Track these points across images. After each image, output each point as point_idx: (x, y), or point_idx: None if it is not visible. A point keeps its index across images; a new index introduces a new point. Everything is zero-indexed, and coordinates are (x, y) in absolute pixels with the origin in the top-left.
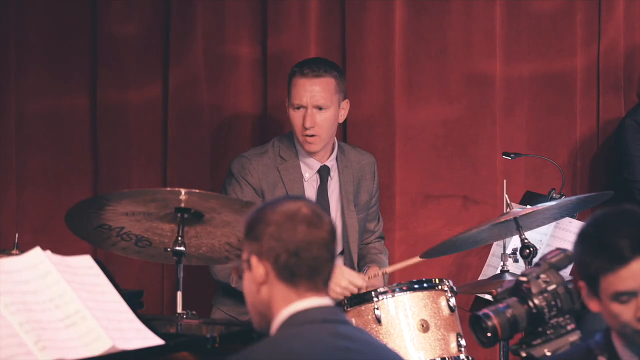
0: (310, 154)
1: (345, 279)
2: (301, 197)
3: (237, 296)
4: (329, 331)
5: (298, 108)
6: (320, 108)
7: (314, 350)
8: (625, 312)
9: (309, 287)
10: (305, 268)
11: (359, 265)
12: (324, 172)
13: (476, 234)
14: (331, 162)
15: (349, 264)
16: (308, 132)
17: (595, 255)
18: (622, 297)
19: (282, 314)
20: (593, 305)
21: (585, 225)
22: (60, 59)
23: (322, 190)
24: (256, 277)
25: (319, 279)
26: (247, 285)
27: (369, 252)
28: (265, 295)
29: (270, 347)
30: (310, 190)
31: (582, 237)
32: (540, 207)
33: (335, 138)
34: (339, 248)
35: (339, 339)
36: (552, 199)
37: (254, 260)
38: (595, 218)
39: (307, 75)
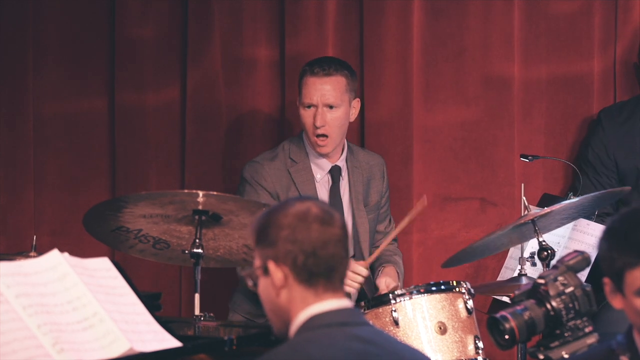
0: (322, 154)
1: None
2: (307, 197)
3: (256, 299)
4: (346, 334)
5: (309, 107)
6: (330, 107)
7: (330, 354)
8: None
9: (327, 286)
10: (323, 267)
11: (373, 266)
12: (335, 173)
13: (495, 239)
14: (342, 162)
15: None
16: (319, 132)
17: (621, 250)
18: None
19: (300, 317)
20: (616, 302)
21: (611, 221)
22: (78, 61)
23: (335, 190)
24: (275, 281)
25: (336, 277)
26: (265, 291)
27: (383, 254)
28: (285, 299)
29: (287, 352)
30: (323, 191)
31: (608, 233)
32: (558, 207)
33: (345, 138)
34: (351, 251)
35: (356, 342)
36: None
37: (272, 265)
38: (621, 215)
39: (317, 74)
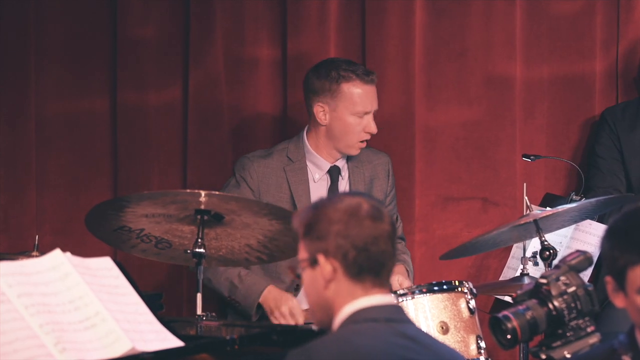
0: (323, 154)
1: (287, 305)
2: (357, 193)
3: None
4: (391, 330)
5: (363, 115)
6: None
7: (373, 346)
8: None
9: (375, 282)
10: (373, 262)
11: None
12: (334, 173)
13: (496, 236)
14: (341, 162)
15: None
16: (368, 136)
17: (623, 248)
18: None
19: (345, 310)
20: (619, 301)
21: (614, 220)
22: (79, 61)
23: (333, 190)
24: (324, 274)
25: (384, 273)
26: (311, 283)
27: None
28: (332, 292)
29: (331, 341)
30: (321, 191)
31: (611, 232)
32: (560, 210)
33: None
34: None
35: (399, 338)
36: (572, 201)
37: (321, 258)
38: (623, 214)
39: (372, 82)
